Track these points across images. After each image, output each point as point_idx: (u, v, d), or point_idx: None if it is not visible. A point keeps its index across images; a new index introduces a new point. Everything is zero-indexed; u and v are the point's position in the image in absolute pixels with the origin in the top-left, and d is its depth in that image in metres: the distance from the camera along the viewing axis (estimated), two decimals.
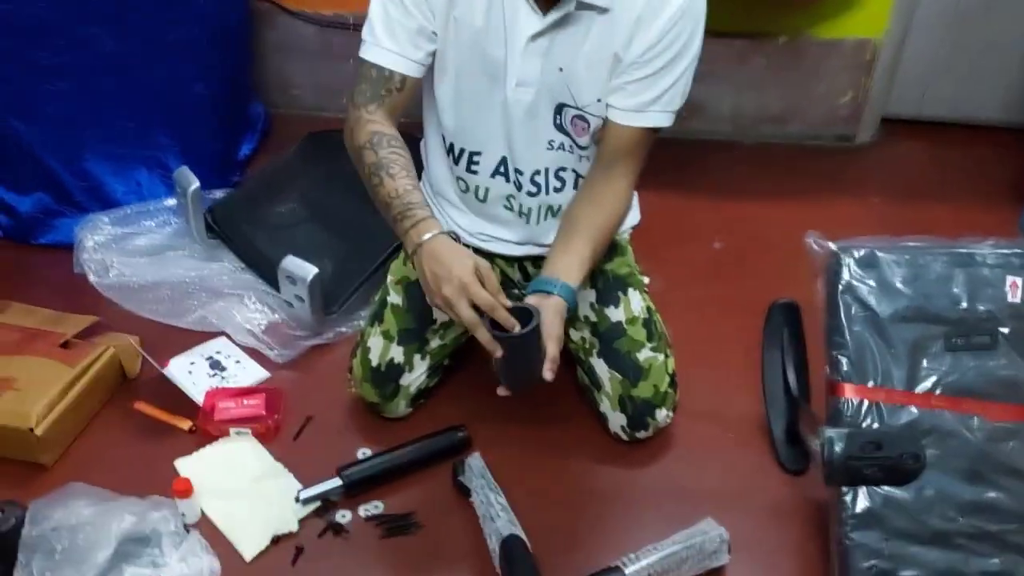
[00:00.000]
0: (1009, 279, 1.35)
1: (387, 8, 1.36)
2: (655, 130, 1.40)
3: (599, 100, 1.37)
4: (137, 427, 1.67)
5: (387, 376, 1.61)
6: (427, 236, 1.26)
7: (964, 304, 1.35)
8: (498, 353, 1.26)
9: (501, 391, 1.31)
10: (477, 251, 1.57)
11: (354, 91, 1.40)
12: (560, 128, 1.41)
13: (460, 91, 1.41)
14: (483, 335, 1.24)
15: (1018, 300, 1.35)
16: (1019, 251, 1.36)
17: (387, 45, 1.36)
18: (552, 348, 1.27)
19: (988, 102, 2.63)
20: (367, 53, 1.39)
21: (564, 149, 1.43)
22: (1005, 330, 1.34)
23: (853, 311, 1.35)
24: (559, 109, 1.39)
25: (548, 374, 1.26)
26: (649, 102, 1.36)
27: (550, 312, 1.29)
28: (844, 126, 2.63)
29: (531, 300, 1.30)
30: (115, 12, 1.93)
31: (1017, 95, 2.60)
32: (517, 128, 1.41)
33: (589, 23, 1.32)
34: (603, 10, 1.30)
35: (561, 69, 1.35)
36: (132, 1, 1.94)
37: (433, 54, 1.39)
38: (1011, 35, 2.50)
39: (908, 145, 2.64)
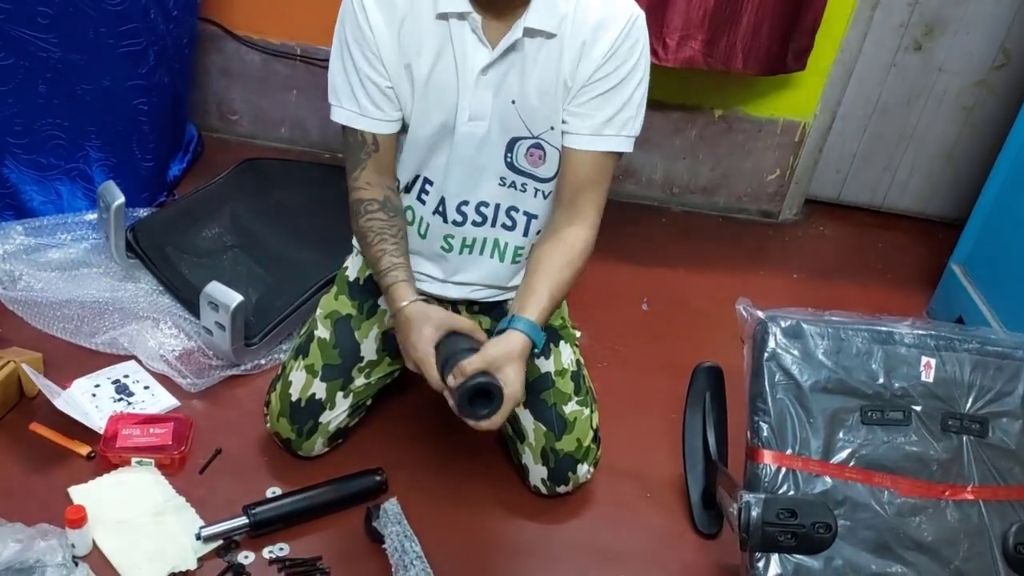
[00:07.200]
0: (924, 359, 1.41)
1: (344, 67, 1.37)
2: (613, 158, 1.41)
3: (552, 128, 1.39)
4: (31, 450, 1.57)
5: (306, 412, 1.56)
6: (402, 304, 1.35)
7: (881, 380, 1.40)
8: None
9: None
10: None
11: (345, 160, 1.44)
12: (512, 167, 1.42)
13: (416, 133, 1.41)
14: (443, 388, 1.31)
15: (931, 380, 1.41)
16: (934, 333, 1.43)
17: (348, 106, 1.38)
18: (510, 405, 1.29)
19: (904, 192, 2.78)
20: (335, 115, 1.41)
21: (516, 188, 1.44)
22: (918, 408, 1.40)
23: (777, 378, 1.39)
24: (511, 145, 1.40)
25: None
26: (603, 123, 1.37)
27: (513, 363, 1.29)
28: (769, 202, 2.73)
29: (494, 349, 1.29)
30: (62, 18, 1.87)
31: (931, 187, 2.76)
32: (466, 163, 1.41)
33: (537, 51, 1.34)
34: (550, 35, 1.33)
35: (513, 102, 1.36)
36: (83, 9, 1.88)
37: (398, 109, 1.39)
38: (929, 129, 2.66)
39: (828, 226, 2.76)
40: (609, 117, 1.37)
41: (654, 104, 2.60)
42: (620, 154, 1.42)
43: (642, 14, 1.35)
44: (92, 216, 2.07)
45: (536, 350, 1.36)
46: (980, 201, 2.23)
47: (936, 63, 2.54)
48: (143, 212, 2.12)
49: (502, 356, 1.28)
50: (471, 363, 1.25)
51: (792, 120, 2.57)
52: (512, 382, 1.28)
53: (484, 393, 1.25)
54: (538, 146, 1.40)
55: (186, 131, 2.42)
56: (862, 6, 2.39)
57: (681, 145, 2.63)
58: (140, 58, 1.99)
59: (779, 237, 2.68)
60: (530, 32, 1.32)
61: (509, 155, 1.41)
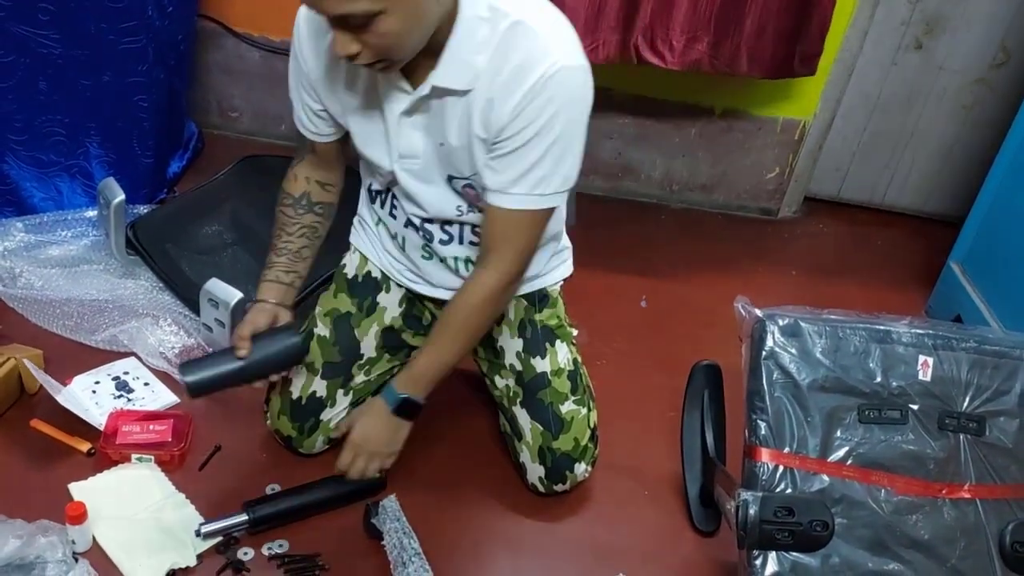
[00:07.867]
0: (921, 358, 1.41)
1: (292, 78, 1.43)
2: (531, 214, 1.33)
3: (475, 173, 1.35)
4: (32, 446, 1.58)
5: (308, 410, 1.57)
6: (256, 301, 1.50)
7: (879, 379, 1.40)
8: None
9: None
10: (408, 291, 1.57)
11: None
12: (459, 193, 1.41)
13: (366, 158, 1.44)
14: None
15: (928, 379, 1.41)
16: (932, 332, 1.43)
17: (297, 111, 1.46)
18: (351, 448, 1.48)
19: (903, 189, 2.78)
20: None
21: (475, 211, 1.42)
22: (915, 407, 1.40)
23: (775, 377, 1.39)
24: (449, 179, 1.39)
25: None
26: (510, 182, 1.30)
27: (363, 417, 1.48)
28: (768, 200, 2.73)
29: (356, 411, 1.54)
30: (63, 15, 1.87)
31: (931, 185, 2.76)
32: (417, 192, 1.41)
33: (453, 103, 1.29)
34: (463, 93, 1.27)
35: (442, 144, 1.34)
36: (85, 5, 1.88)
37: (332, 127, 1.45)
38: (929, 127, 2.65)
39: (827, 224, 2.76)
40: (518, 176, 1.29)
41: (654, 101, 2.63)
42: (546, 210, 1.34)
43: (566, 66, 1.22)
44: (92, 213, 2.07)
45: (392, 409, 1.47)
46: (979, 199, 2.23)
47: (936, 61, 2.54)
48: (143, 209, 2.12)
49: (355, 413, 1.52)
50: (342, 423, 1.54)
51: (792, 118, 2.57)
52: (356, 429, 1.48)
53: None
54: (470, 186, 1.38)
55: (186, 128, 2.42)
56: (863, 5, 2.38)
57: (681, 142, 2.63)
58: (140, 55, 1.99)
59: (778, 235, 2.68)
60: (438, 91, 1.28)
61: (450, 185, 1.40)
